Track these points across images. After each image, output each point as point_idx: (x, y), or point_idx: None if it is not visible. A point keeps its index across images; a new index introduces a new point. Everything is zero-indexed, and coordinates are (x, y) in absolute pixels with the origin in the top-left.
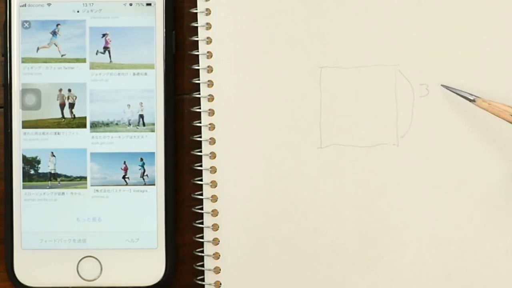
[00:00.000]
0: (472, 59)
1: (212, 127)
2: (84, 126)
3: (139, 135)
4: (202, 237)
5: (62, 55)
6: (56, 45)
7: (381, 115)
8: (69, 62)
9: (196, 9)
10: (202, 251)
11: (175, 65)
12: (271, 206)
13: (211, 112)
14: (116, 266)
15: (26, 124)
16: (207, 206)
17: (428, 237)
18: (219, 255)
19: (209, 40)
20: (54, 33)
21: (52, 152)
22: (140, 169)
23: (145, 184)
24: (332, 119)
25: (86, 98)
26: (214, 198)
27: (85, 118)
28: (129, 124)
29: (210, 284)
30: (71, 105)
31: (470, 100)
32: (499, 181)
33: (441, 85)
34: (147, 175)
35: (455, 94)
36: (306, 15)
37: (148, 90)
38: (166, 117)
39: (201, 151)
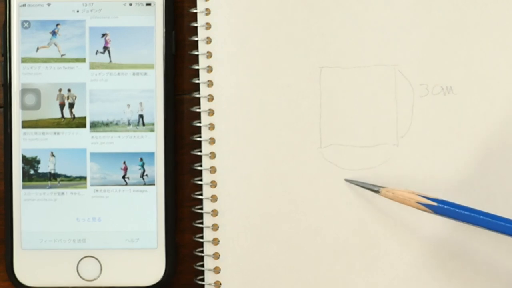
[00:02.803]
0: (472, 59)
1: (212, 127)
2: (84, 126)
3: (139, 135)
4: (202, 237)
5: (62, 55)
6: (56, 45)
7: (381, 115)
8: (69, 62)
9: (196, 9)
10: (202, 251)
11: (175, 65)
12: (271, 206)
13: (211, 112)
14: (116, 266)
15: (26, 124)
16: (207, 206)
17: (428, 237)
18: (219, 255)
19: (209, 40)
20: (54, 33)
21: (52, 152)
22: (140, 169)
23: (145, 184)
24: (332, 119)
25: (86, 98)
26: (214, 198)
27: (84, 118)
28: (129, 124)
29: (210, 284)
30: (71, 105)
31: (374, 191)
32: (500, 179)
33: (345, 179)
34: (147, 175)
35: (454, 95)
36: (306, 15)
37: (148, 90)
38: (166, 117)
39: (201, 151)
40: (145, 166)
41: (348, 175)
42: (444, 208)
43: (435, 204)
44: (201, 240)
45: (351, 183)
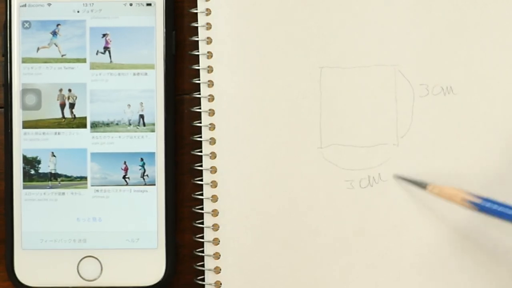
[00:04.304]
0: (472, 59)
1: (212, 127)
2: (85, 126)
3: (139, 135)
4: (202, 237)
5: (62, 55)
6: (56, 45)
7: (381, 115)
8: (69, 62)
9: (196, 9)
10: (202, 251)
11: (175, 65)
12: (271, 206)
13: (211, 112)
14: (116, 266)
15: (27, 124)
16: (207, 206)
17: (428, 237)
18: (219, 255)
19: (209, 40)
20: (54, 33)
21: (53, 152)
22: (140, 169)
23: (145, 184)
24: (332, 119)
25: (87, 98)
26: (214, 198)
27: (85, 118)
28: (129, 124)
29: (210, 284)
30: (72, 105)
31: (421, 187)
32: (500, 179)
33: (394, 175)
34: (147, 175)
35: (454, 95)
36: (306, 15)
37: (148, 90)
38: (166, 117)
39: (201, 151)
40: (145, 166)
41: (348, 175)
42: (489, 207)
43: (480, 202)
44: (201, 240)
45: (400, 178)
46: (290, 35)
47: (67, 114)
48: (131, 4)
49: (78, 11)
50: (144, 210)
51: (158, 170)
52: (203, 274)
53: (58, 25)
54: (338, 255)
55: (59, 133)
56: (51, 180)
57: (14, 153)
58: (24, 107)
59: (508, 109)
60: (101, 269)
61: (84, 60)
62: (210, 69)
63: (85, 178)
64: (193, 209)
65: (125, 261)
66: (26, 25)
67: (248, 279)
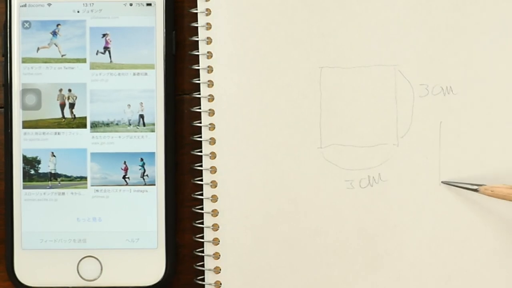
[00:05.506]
0: (472, 59)
1: (212, 127)
2: (84, 126)
3: (139, 135)
4: (202, 237)
5: (62, 55)
6: (56, 45)
7: (381, 115)
8: (69, 62)
9: (196, 9)
10: (202, 251)
11: (175, 65)
12: (271, 206)
13: (211, 112)
14: (116, 266)
15: (27, 124)
16: (207, 206)
17: (428, 237)
18: (219, 255)
19: (209, 40)
20: (54, 33)
21: (53, 152)
22: (140, 169)
23: (145, 184)
24: (332, 119)
25: (86, 98)
26: (214, 198)
27: (85, 118)
28: (129, 124)
29: (210, 284)
30: (71, 105)
31: (473, 190)
32: (500, 180)
33: (442, 182)
34: (147, 175)
35: (454, 95)
36: (306, 15)
37: (148, 90)
38: (166, 117)
39: (201, 151)
40: (145, 166)
41: (348, 175)
42: None
43: None
44: (201, 240)
45: (448, 184)
46: (290, 35)
47: (67, 114)
48: (131, 4)
49: (78, 11)
50: (144, 210)
51: (158, 170)
52: (203, 274)
53: (58, 25)
54: (338, 255)
55: (59, 133)
56: (51, 180)
57: (14, 153)
58: (24, 107)
59: (508, 109)
60: (101, 269)
61: (84, 60)
62: (210, 69)
63: (85, 178)
64: (193, 209)
65: (125, 261)
66: (26, 25)
67: (248, 279)
